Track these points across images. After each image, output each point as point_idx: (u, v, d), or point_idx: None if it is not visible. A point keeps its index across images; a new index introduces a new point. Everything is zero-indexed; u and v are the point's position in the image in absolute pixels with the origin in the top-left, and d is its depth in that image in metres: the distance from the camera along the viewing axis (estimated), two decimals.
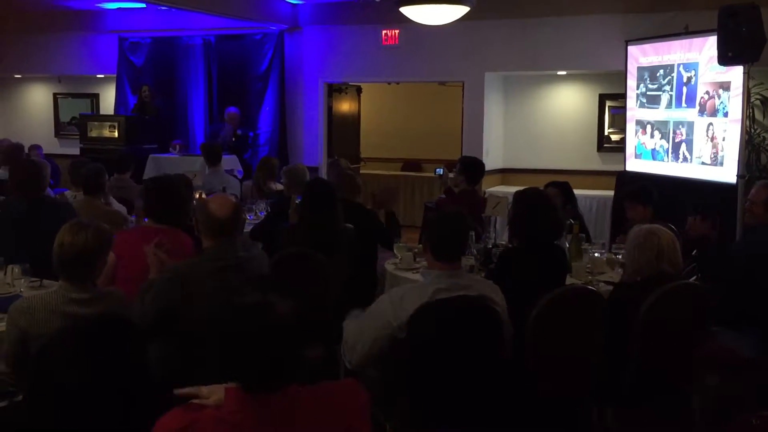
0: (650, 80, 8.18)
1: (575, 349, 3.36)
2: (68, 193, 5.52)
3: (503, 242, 4.87)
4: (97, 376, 2.74)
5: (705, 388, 3.69)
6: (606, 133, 9.74)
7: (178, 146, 9.77)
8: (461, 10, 6.85)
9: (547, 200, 3.86)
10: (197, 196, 5.55)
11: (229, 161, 8.50)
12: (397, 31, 9.61)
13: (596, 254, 4.55)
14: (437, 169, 6.06)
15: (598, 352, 3.38)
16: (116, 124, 9.88)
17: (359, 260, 4.42)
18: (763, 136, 8.22)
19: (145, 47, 10.87)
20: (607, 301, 3.42)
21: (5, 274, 3.91)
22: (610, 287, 3.96)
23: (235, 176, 8.08)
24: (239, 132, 9.86)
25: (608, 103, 9.65)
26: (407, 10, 6.95)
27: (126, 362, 2.83)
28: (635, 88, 8.40)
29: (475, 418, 3.20)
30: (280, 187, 7.24)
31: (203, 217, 3.16)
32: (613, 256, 4.60)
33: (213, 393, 1.95)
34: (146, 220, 4.38)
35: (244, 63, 10.36)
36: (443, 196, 6.24)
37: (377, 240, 4.74)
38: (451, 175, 5.94)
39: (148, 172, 8.94)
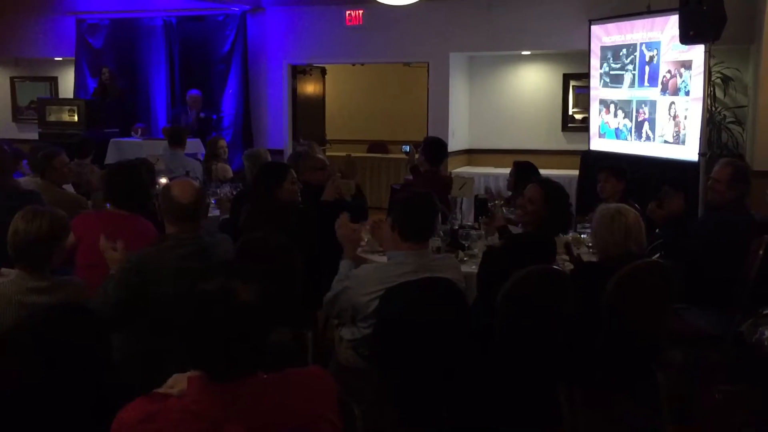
0: (613, 60, 8.22)
1: (543, 330, 3.37)
2: (26, 179, 5.38)
3: (469, 223, 4.87)
4: (57, 368, 2.68)
5: (670, 365, 3.75)
6: (570, 113, 9.79)
7: (140, 130, 9.60)
8: None
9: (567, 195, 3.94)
10: (161, 180, 5.47)
11: (192, 145, 8.37)
12: (361, 12, 9.53)
13: (561, 234, 4.55)
14: (404, 147, 6.03)
15: (566, 332, 3.40)
16: (76, 107, 9.68)
17: (324, 242, 4.37)
18: (724, 114, 8.33)
19: (104, 29, 10.64)
20: (574, 281, 3.43)
21: None
22: None
23: (198, 159, 7.97)
24: (202, 115, 9.72)
25: (572, 83, 9.70)
26: None
27: (87, 353, 2.77)
28: (599, 67, 8.44)
29: (443, 400, 3.21)
30: (227, 168, 7.22)
31: (166, 202, 3.10)
32: (579, 236, 4.62)
33: (178, 382, 1.91)
34: (108, 205, 4.30)
35: (207, 45, 10.20)
36: (409, 177, 6.23)
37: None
38: (417, 154, 5.92)
39: (110, 157, 8.79)
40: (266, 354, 1.69)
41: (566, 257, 4.07)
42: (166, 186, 3.21)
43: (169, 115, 10.27)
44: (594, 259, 3.97)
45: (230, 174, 7.02)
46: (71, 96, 10.81)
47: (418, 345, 3.09)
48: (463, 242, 4.30)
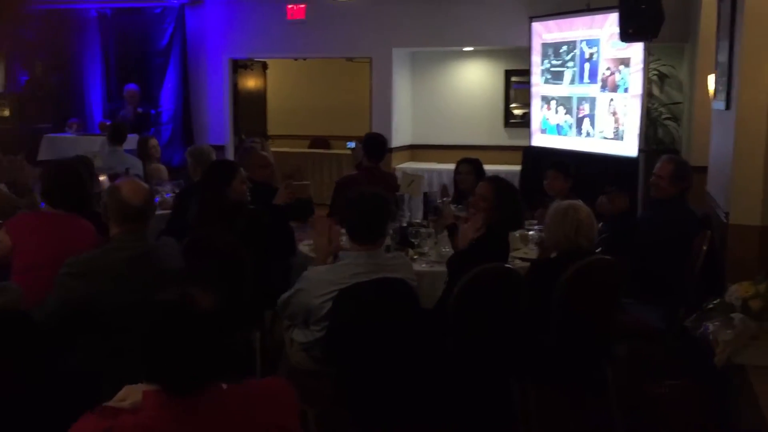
0: (554, 56, 8.32)
1: (496, 327, 3.38)
2: None
3: (418, 221, 4.85)
4: None
5: (618, 359, 3.80)
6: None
7: (75, 125, 9.29)
8: None
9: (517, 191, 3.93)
10: (100, 178, 5.29)
11: (130, 141, 8.13)
12: (303, 6, 9.43)
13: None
14: (349, 143, 5.98)
15: (518, 328, 3.41)
16: (6, 101, 9.30)
17: (273, 242, 4.30)
18: (660, 111, 8.53)
19: (36, 21, 10.24)
20: (526, 278, 3.45)
21: None
22: (526, 263, 4.01)
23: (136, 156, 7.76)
24: (140, 110, 9.46)
25: (513, 79, 9.79)
26: None
27: (28, 363, 2.64)
28: (540, 64, 8.53)
29: (398, 400, 3.18)
30: (162, 168, 7.04)
31: (114, 203, 2.98)
32: (527, 232, 4.64)
33: (129, 395, 1.83)
34: (42, 205, 4.13)
35: (144, 38, 9.94)
36: (352, 172, 6.18)
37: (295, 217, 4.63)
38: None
39: (43, 153, 8.49)
40: (227, 364, 1.62)
41: (520, 255, 4.09)
42: (114, 186, 3.08)
43: (105, 110, 9.98)
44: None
45: (165, 174, 6.85)
46: (0, 89, 10.39)
47: (372, 346, 3.06)
48: (413, 240, 4.28)
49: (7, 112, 9.26)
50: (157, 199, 5.42)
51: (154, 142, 7.38)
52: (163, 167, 6.98)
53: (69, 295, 2.90)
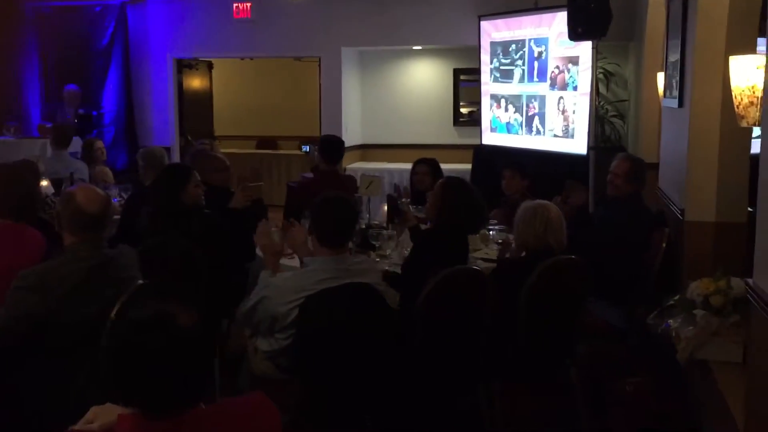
0: (503, 55, 8.36)
1: (463, 329, 3.34)
2: None
3: (377, 222, 4.80)
4: None
5: (581, 358, 3.81)
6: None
7: (12, 128, 8.94)
8: None
9: (475, 191, 3.83)
10: (43, 183, 5.09)
11: (72, 143, 7.87)
12: (249, 4, 9.27)
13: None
14: (304, 146, 5.87)
15: (485, 329, 3.39)
16: None
17: (231, 247, 4.19)
18: (606, 108, 8.65)
19: None
20: (494, 278, 3.43)
21: None
22: (488, 264, 4.00)
23: (80, 159, 7.51)
24: (81, 111, 9.15)
25: (462, 78, 9.82)
26: None
27: None
28: (489, 62, 8.56)
29: (367, 407, 3.12)
30: (107, 171, 6.84)
31: (69, 211, 2.83)
32: (487, 233, 4.63)
33: (97, 416, 1.73)
34: None
35: (84, 37, 9.63)
36: (306, 174, 6.07)
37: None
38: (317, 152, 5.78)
39: None
40: (207, 384, 1.53)
41: (481, 255, 4.07)
42: (69, 193, 2.93)
43: (44, 112, 9.64)
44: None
45: (111, 178, 6.64)
46: None
47: (341, 353, 2.99)
48: (374, 243, 4.23)
49: None
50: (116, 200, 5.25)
51: (99, 144, 7.16)
52: (108, 170, 6.77)
53: (23, 310, 2.74)
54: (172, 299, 1.54)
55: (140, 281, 2.96)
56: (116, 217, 4.97)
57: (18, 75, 9.80)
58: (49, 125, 8.58)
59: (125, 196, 5.56)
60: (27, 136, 8.99)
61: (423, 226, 4.33)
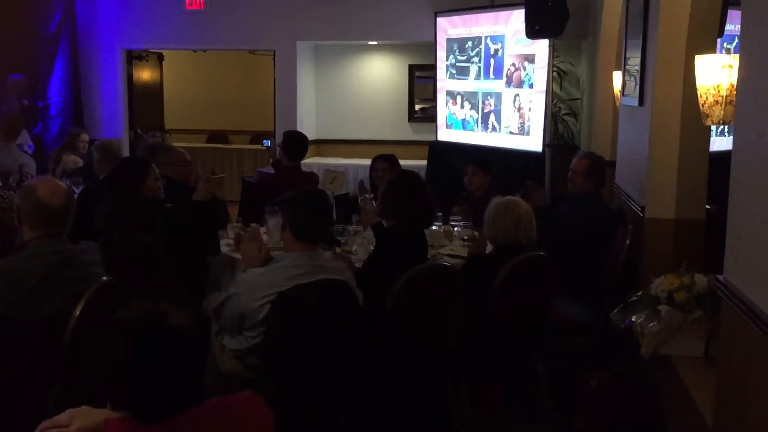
0: (459, 52, 8.38)
1: (432, 326, 3.33)
2: None
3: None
4: None
5: (546, 352, 3.84)
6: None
7: None
8: None
9: (425, 185, 3.76)
10: None
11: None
12: None
13: (433, 227, 4.53)
14: (265, 141, 5.77)
15: (454, 326, 3.38)
16: None
17: (194, 241, 4.09)
18: (560, 106, 8.76)
19: None
20: (463, 274, 3.42)
21: None
22: (455, 260, 3.99)
23: (26, 152, 7.27)
24: (26, 102, 8.86)
25: (417, 74, 9.81)
26: None
27: None
28: (445, 59, 8.58)
29: (340, 406, 3.08)
30: (78, 160, 6.64)
31: (30, 205, 2.71)
32: (451, 228, 4.62)
33: (74, 419, 1.65)
34: None
35: (28, 24, 9.30)
36: (263, 170, 5.98)
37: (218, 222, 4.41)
38: (278, 148, 5.69)
39: None
40: (201, 385, 1.47)
41: (447, 252, 4.05)
42: (29, 186, 2.81)
43: None
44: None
45: (80, 164, 6.42)
46: None
47: (313, 350, 2.94)
48: (339, 238, 4.18)
49: None
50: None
51: (85, 136, 6.92)
52: (80, 159, 6.53)
53: None
54: (164, 299, 1.48)
55: (104, 278, 2.86)
56: None
57: None
58: None
59: (76, 191, 5.39)
60: None
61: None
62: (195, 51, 10.81)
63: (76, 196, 5.10)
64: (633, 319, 3.69)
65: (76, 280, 2.74)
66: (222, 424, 1.53)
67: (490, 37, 7.98)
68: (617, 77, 6.20)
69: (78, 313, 2.63)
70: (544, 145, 7.30)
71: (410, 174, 3.89)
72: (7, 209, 3.60)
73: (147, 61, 10.20)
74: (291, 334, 2.89)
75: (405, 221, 3.50)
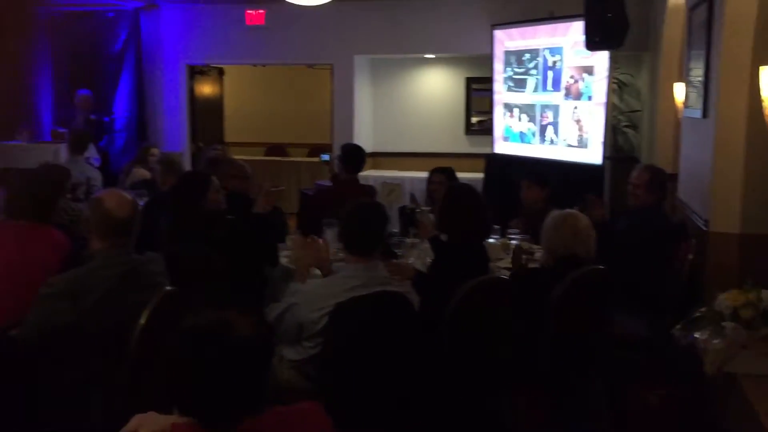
0: (517, 64, 8.35)
1: (489, 338, 3.32)
2: None
3: (395, 230, 4.76)
4: None
5: (604, 367, 3.78)
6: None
7: (25, 133, 8.94)
8: None
9: (480, 198, 3.77)
10: None
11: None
12: (262, 12, 9.28)
13: (490, 240, 4.52)
14: (323, 155, 5.84)
15: (512, 339, 3.36)
16: None
17: (254, 252, 4.16)
18: (619, 119, 8.62)
19: None
20: (519, 287, 3.40)
21: None
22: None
23: (92, 165, 7.51)
24: (92, 117, 9.16)
25: (474, 86, 9.81)
26: None
27: (12, 383, 2.48)
28: (502, 71, 8.55)
29: (394, 418, 3.09)
30: (146, 173, 6.82)
31: (98, 216, 2.81)
32: (508, 242, 4.60)
33: (141, 425, 1.69)
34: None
35: (96, 43, 9.63)
36: (321, 182, 6.05)
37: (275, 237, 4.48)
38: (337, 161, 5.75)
39: None
40: (266, 392, 1.51)
41: (504, 264, 4.03)
42: (97, 198, 2.92)
43: (55, 117, 9.63)
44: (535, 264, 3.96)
45: (148, 177, 6.62)
46: None
47: (370, 362, 2.96)
48: (396, 251, 4.20)
49: None
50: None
51: (155, 150, 7.15)
52: (147, 172, 6.74)
53: (51, 317, 2.72)
54: (230, 308, 1.52)
55: (168, 287, 2.94)
56: None
57: (30, 80, 9.80)
58: (62, 130, 8.60)
59: (140, 203, 5.54)
60: (39, 140, 9.00)
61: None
62: (255, 65, 11.01)
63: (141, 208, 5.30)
64: (696, 336, 3.61)
65: (142, 290, 2.82)
66: (285, 430, 1.56)
67: (549, 49, 7.93)
68: (679, 89, 6.09)
69: (143, 321, 2.71)
70: (604, 157, 7.21)
71: (465, 187, 3.90)
72: (75, 220, 3.73)
73: (208, 75, 10.44)
74: (347, 345, 2.91)
75: (462, 234, 3.51)
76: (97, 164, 7.88)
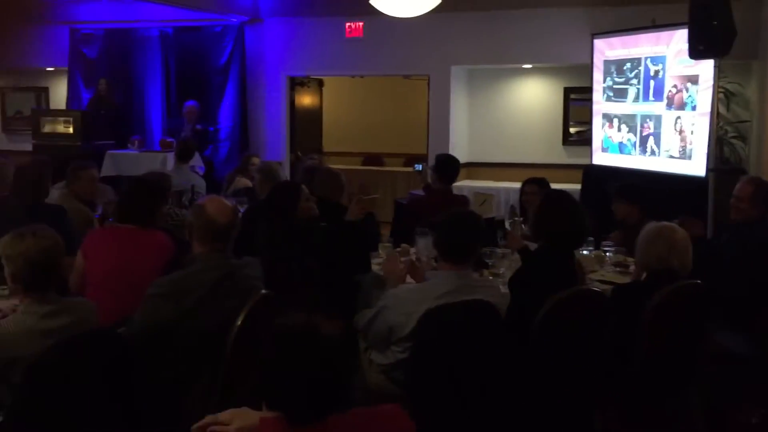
0: (617, 73, 8.19)
1: (580, 352, 3.27)
2: (53, 190, 5.21)
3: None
4: (84, 392, 2.55)
5: (702, 384, 3.66)
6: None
7: (136, 142, 9.44)
8: (432, 2, 6.72)
9: (575, 204, 3.72)
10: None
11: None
12: (361, 24, 9.45)
13: (584, 251, 4.47)
14: (416, 165, 5.91)
15: (602, 353, 3.31)
16: (71, 119, 9.47)
17: (346, 259, 4.26)
18: (726, 129, 8.31)
19: (99, 39, 10.47)
20: (612, 301, 3.35)
21: None
22: (605, 286, 3.90)
23: (197, 173, 7.85)
24: (198, 127, 9.58)
25: (572, 96, 9.67)
26: (377, 2, 6.78)
27: (115, 379, 2.64)
28: (602, 81, 8.40)
29: (480, 425, 3.10)
30: (247, 182, 7.06)
31: (201, 221, 2.97)
32: (602, 254, 4.53)
33: (236, 418, 1.79)
34: (110, 220, 4.17)
35: (204, 56, 10.07)
36: (415, 192, 6.10)
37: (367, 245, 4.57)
38: (429, 171, 5.80)
39: (106, 170, 8.62)
40: (350, 392, 1.57)
41: (597, 277, 3.97)
42: (200, 204, 3.08)
43: (165, 127, 10.12)
44: (624, 279, 3.88)
45: (249, 186, 6.88)
46: (62, 106, 10.64)
47: (456, 370, 2.98)
48: (487, 261, 4.20)
49: (71, 129, 9.42)
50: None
51: (256, 160, 7.43)
52: (248, 181, 7.00)
53: (156, 316, 2.88)
54: (318, 310, 1.59)
55: (263, 291, 3.06)
56: None
57: (143, 92, 10.34)
58: (170, 140, 9.02)
59: (241, 210, 5.76)
60: (149, 149, 9.47)
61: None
62: (353, 76, 11.22)
63: (241, 215, 5.51)
64: None
65: (239, 293, 2.96)
66: (367, 430, 1.62)
67: (651, 58, 7.74)
68: None
69: (239, 322, 2.84)
70: (708, 169, 6.96)
71: (559, 193, 3.86)
72: (179, 225, 3.92)
73: (308, 86, 10.71)
74: (433, 351, 2.95)
75: (553, 241, 3.48)
76: (201, 172, 8.25)
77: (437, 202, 5.15)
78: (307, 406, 1.54)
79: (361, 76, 11.15)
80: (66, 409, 2.49)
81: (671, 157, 7.53)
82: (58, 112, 10.19)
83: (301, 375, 1.52)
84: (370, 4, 6.54)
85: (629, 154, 8.11)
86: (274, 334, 1.56)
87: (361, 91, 12.39)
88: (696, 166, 7.16)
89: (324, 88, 11.37)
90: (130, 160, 8.76)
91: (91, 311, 2.87)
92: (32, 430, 2.47)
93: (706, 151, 7.00)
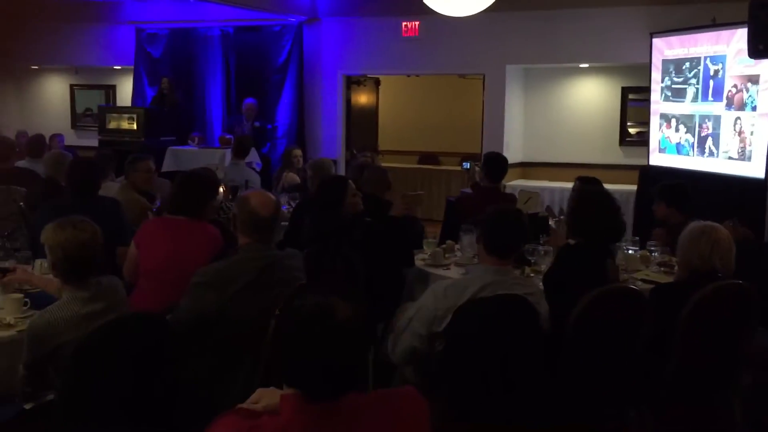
0: (675, 73, 8.05)
1: (616, 349, 3.28)
2: (107, 182, 5.45)
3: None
4: (128, 375, 2.69)
5: (744, 388, 3.61)
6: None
7: (196, 138, 9.71)
8: (486, 1, 6.73)
9: (610, 200, 3.72)
10: (221, 189, 5.50)
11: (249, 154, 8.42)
12: (417, 23, 9.51)
13: (630, 251, 4.45)
14: (464, 163, 5.95)
15: (640, 351, 3.30)
16: (135, 116, 9.81)
17: (390, 254, 4.34)
18: None
19: (163, 39, 10.81)
20: (652, 300, 3.33)
21: (33, 268, 3.87)
22: (648, 285, 3.88)
23: (254, 169, 8.03)
24: (257, 124, 9.79)
25: (630, 96, 9.53)
26: (431, 1, 6.83)
27: (158, 365, 2.77)
28: (660, 81, 8.27)
29: (511, 421, 3.13)
30: (296, 177, 7.21)
31: (244, 214, 3.09)
32: (648, 253, 4.50)
33: (262, 397, 1.88)
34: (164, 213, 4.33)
35: (263, 55, 10.29)
36: (465, 190, 6.14)
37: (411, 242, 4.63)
38: (477, 169, 5.84)
39: (167, 165, 8.90)
40: (363, 373, 1.65)
41: (641, 276, 3.95)
42: (244, 197, 3.21)
43: (224, 124, 10.37)
44: (668, 279, 3.85)
45: (297, 181, 7.03)
46: (127, 104, 11.01)
47: (489, 364, 3.02)
48: (530, 258, 4.22)
49: (134, 126, 9.75)
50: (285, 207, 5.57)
51: (297, 152, 7.61)
52: (296, 176, 7.16)
53: (199, 304, 3.01)
54: (334, 294, 1.67)
55: (303, 282, 3.16)
56: (284, 223, 5.29)
57: (204, 90, 10.62)
58: (228, 136, 9.26)
59: (293, 204, 5.90)
60: (209, 145, 9.73)
61: None
62: (409, 75, 11.29)
63: (291, 209, 5.64)
64: None
65: (280, 283, 3.06)
66: (381, 411, 1.69)
67: (710, 57, 7.59)
68: None
69: (278, 312, 2.94)
70: (767, 171, 6.80)
71: (594, 190, 3.87)
72: (231, 219, 4.05)
73: (364, 85, 10.82)
74: (467, 345, 2.99)
75: (588, 237, 3.49)
76: (258, 168, 8.43)
77: (484, 199, 5.17)
78: (322, 384, 1.62)
79: (417, 75, 11.21)
80: (111, 389, 2.62)
81: (730, 158, 7.38)
82: (122, 109, 10.56)
83: (314, 354, 1.60)
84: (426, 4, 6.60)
85: (687, 155, 7.97)
86: (291, 314, 1.65)
87: (417, 90, 12.45)
88: (755, 168, 7.00)
89: (380, 87, 11.47)
90: (190, 156, 9.01)
91: (119, 292, 2.97)
92: (82, 410, 2.61)
93: (766, 152, 6.84)
